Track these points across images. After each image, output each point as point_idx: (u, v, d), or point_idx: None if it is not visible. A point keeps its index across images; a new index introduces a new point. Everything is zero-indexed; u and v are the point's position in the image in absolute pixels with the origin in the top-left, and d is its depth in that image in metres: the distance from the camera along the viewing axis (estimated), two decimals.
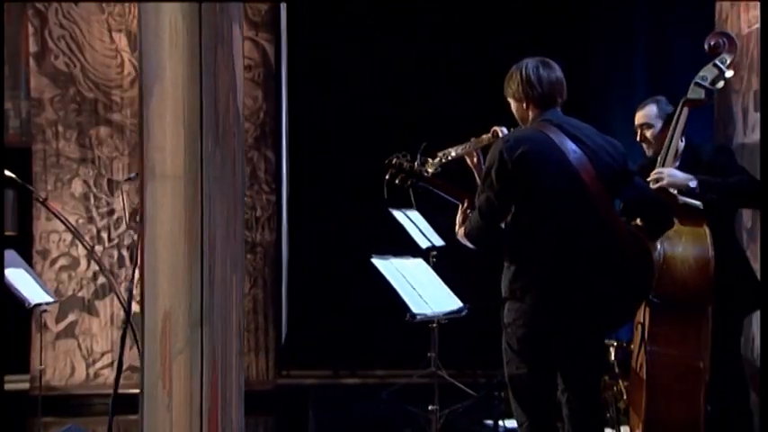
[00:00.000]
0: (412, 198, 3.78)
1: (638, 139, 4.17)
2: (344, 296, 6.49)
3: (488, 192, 3.17)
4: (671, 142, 3.88)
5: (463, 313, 4.30)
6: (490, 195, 3.17)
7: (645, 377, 3.63)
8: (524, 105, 3.27)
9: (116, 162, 6.18)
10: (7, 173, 4.15)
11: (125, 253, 6.15)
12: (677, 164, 3.94)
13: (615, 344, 4.42)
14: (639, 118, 4.16)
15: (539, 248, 3.15)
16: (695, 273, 3.62)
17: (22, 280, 4.74)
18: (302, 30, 6.74)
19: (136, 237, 5.69)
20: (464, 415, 5.37)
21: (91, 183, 6.15)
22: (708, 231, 3.66)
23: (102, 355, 6.14)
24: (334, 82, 6.72)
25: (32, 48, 6.11)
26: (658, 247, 3.61)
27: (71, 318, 6.11)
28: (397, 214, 5.80)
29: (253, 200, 6.21)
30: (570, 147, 3.13)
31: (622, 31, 6.36)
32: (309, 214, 6.78)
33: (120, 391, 4.01)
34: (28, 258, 5.58)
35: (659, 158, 3.90)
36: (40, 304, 4.82)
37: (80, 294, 6.12)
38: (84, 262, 6.13)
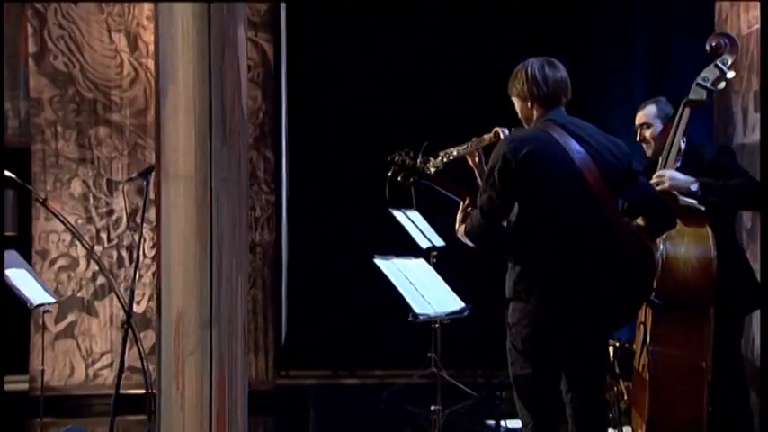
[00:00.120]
0: (413, 196, 3.78)
1: (637, 139, 4.18)
2: (344, 296, 6.49)
3: (491, 191, 3.18)
4: (672, 143, 3.87)
5: (465, 313, 4.29)
6: (492, 195, 3.17)
7: (647, 377, 3.63)
8: (529, 104, 3.27)
9: (115, 162, 6.16)
10: (7, 173, 4.14)
11: (124, 253, 6.14)
12: (678, 164, 3.94)
13: (617, 344, 4.42)
14: (639, 118, 4.17)
15: (542, 249, 3.15)
16: (698, 273, 3.62)
17: (23, 280, 4.73)
18: (302, 30, 6.73)
19: (136, 237, 5.68)
20: (465, 415, 5.38)
21: (90, 183, 6.14)
22: (710, 232, 3.66)
23: (102, 355, 6.12)
24: (333, 82, 6.71)
25: (32, 48, 6.10)
26: (661, 247, 3.61)
27: (70, 318, 6.10)
28: (398, 214, 5.80)
29: (252, 200, 6.21)
30: (574, 147, 3.13)
31: (622, 31, 6.36)
32: (309, 214, 6.78)
33: (120, 391, 4.01)
34: (27, 258, 5.56)
35: (661, 159, 3.90)
36: (42, 304, 4.82)
37: (79, 295, 6.11)
38: (83, 262, 6.12)
